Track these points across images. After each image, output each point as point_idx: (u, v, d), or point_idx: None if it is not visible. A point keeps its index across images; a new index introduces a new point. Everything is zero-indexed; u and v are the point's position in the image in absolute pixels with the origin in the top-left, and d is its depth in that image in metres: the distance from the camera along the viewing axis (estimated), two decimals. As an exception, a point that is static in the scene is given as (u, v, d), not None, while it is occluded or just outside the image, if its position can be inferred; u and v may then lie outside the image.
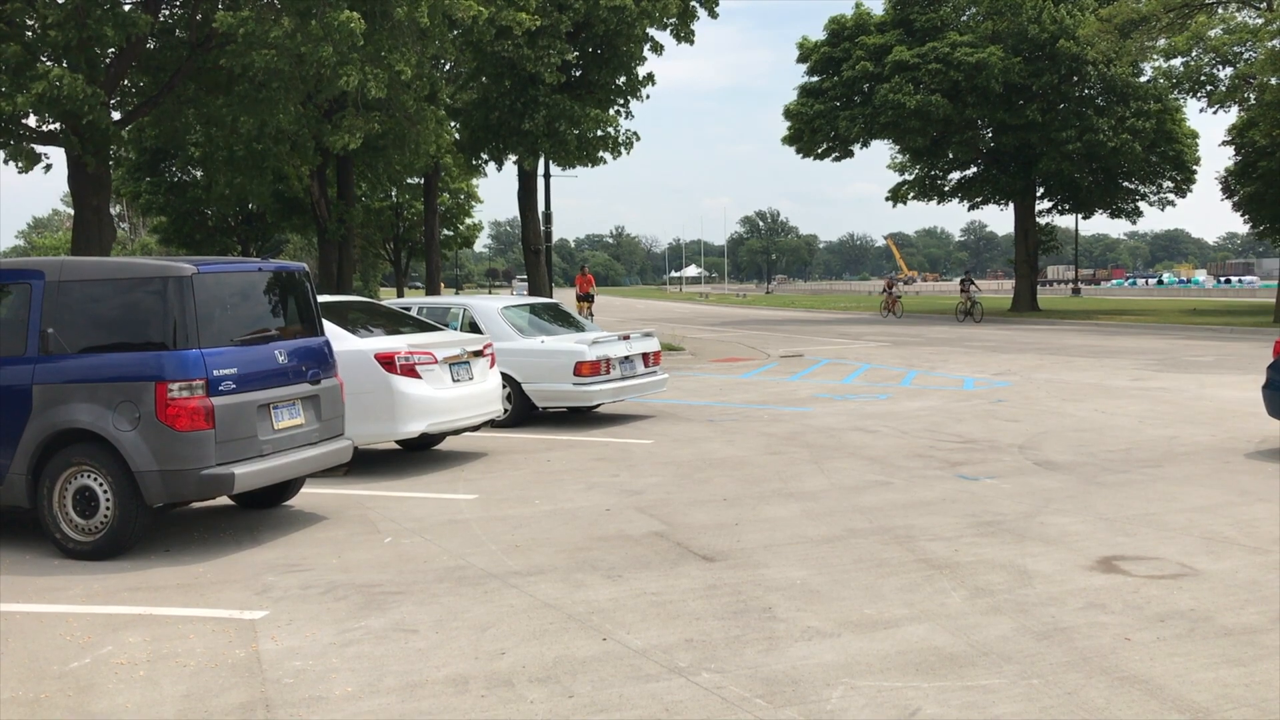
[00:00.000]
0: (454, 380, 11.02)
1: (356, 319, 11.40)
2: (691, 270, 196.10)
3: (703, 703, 4.98)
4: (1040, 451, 11.50)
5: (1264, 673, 5.27)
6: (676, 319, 50.92)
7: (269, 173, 25.08)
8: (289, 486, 9.26)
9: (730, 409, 15.54)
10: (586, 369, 13.59)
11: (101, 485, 7.66)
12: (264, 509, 9.32)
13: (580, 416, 14.99)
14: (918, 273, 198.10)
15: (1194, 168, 46.51)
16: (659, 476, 10.43)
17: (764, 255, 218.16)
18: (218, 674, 5.47)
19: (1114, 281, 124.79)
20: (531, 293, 30.46)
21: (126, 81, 21.28)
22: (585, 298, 32.45)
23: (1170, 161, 46.11)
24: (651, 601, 6.47)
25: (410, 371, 10.58)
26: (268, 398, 8.07)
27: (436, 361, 10.85)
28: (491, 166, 31.35)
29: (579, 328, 15.14)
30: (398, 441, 11.61)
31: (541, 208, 31.25)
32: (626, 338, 14.49)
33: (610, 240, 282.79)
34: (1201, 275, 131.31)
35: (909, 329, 37.39)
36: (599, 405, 14.80)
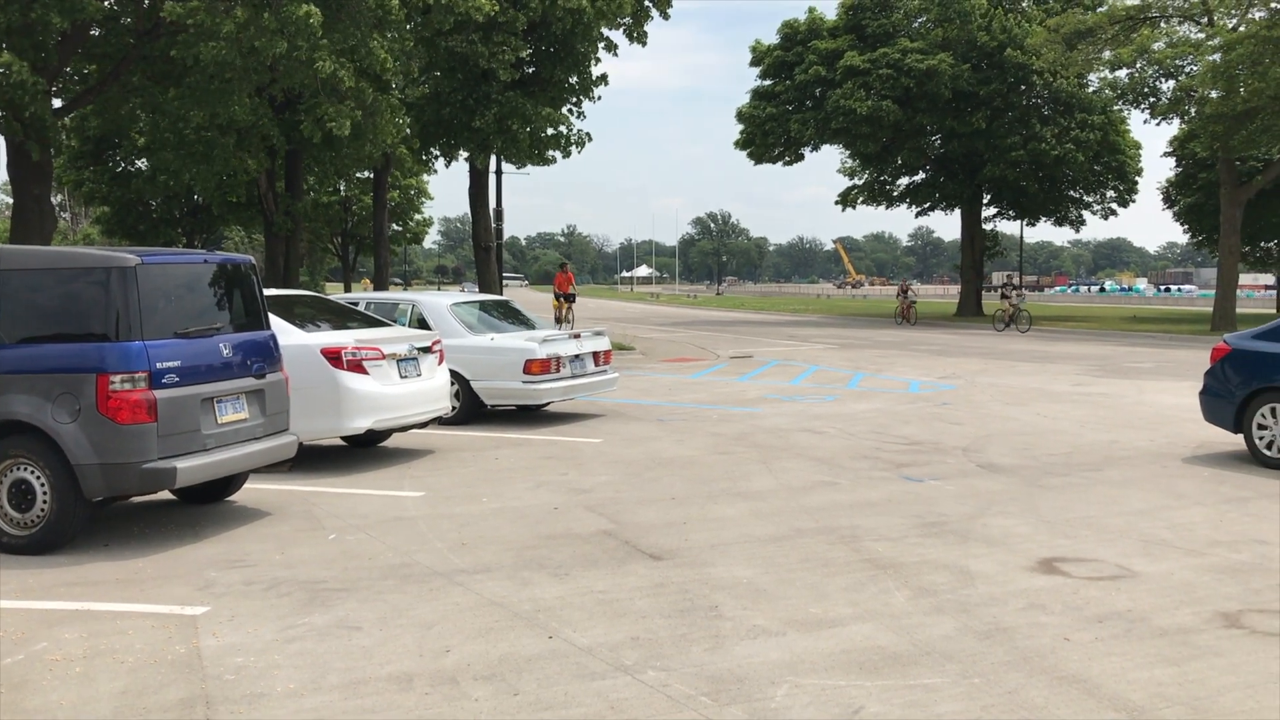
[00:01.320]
0: (402, 376, 10.96)
1: (303, 313, 11.30)
2: (643, 270, 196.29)
3: (648, 701, 4.98)
4: (984, 454, 11.62)
5: (1197, 672, 5.37)
6: (628, 318, 50.94)
7: (217, 162, 24.74)
8: (232, 482, 9.15)
9: (680, 409, 15.57)
10: (536, 367, 13.57)
11: (39, 478, 7.52)
12: (206, 504, 9.20)
13: (529, 415, 14.95)
14: (865, 277, 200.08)
15: (1136, 178, 47.39)
16: (608, 475, 10.43)
17: (715, 257, 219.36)
18: (157, 670, 5.37)
19: (1057, 288, 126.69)
20: (482, 290, 30.36)
21: (70, 69, 20.88)
22: (566, 297, 31.48)
23: (1114, 172, 46.96)
24: (598, 600, 6.47)
25: (357, 367, 10.50)
26: (212, 391, 7.97)
27: (384, 357, 10.77)
28: (442, 163, 31.15)
29: (529, 325, 15.13)
30: (343, 438, 11.49)
31: (492, 205, 31.14)
32: (577, 336, 14.51)
33: (562, 239, 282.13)
34: (1142, 284, 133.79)
35: (857, 332, 37.76)
36: (549, 404, 14.77)
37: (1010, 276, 43.38)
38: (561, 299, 31.27)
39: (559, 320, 30.05)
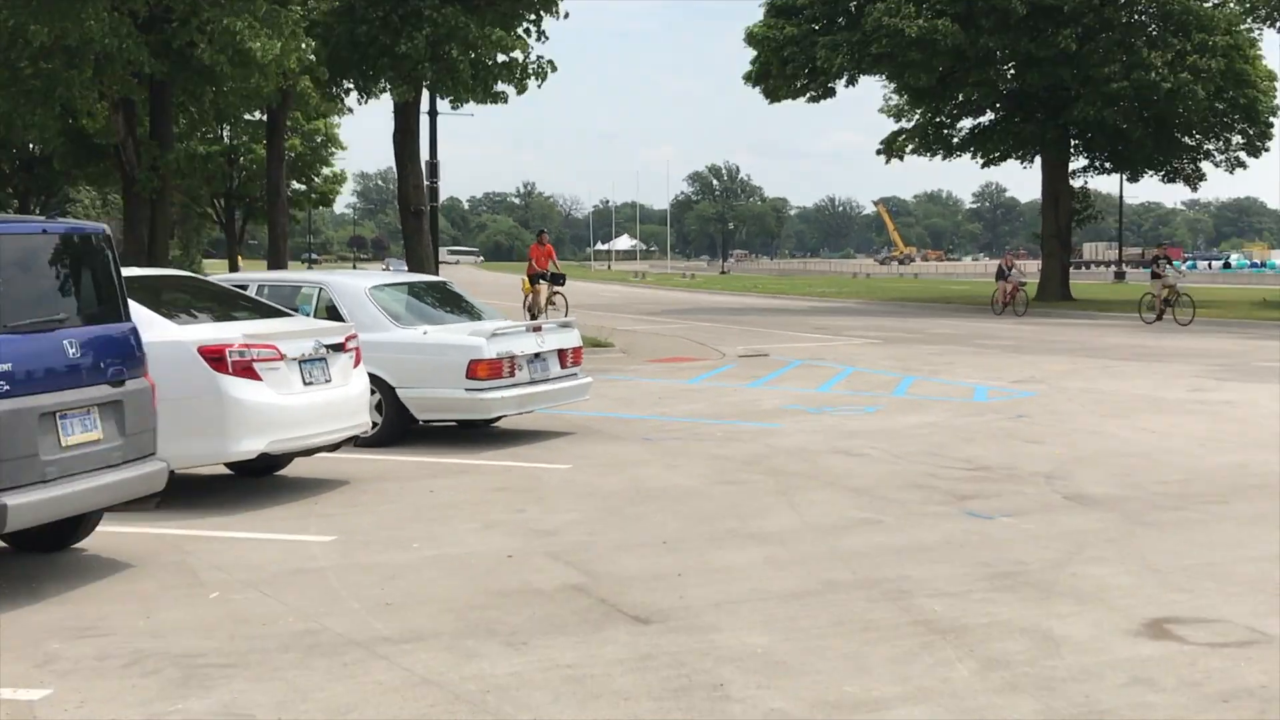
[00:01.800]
0: (305, 383, 11.03)
1: (174, 300, 11.33)
2: (624, 242, 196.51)
3: (633, 809, 5.02)
4: (1072, 482, 11.75)
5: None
6: (604, 305, 50.86)
7: (58, 103, 24.69)
8: (82, 523, 9.11)
9: (673, 424, 15.74)
10: (484, 369, 13.65)
11: None
12: (47, 553, 9.19)
13: (475, 433, 15.02)
14: (916, 249, 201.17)
15: (1270, 119, 47.58)
16: (578, 512, 10.51)
17: (718, 223, 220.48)
18: (-19, 776, 5.38)
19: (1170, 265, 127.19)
20: (411, 268, 30.35)
21: None
22: (550, 278, 31.05)
23: (1241, 111, 47.14)
24: (566, 676, 6.49)
25: (246, 371, 10.55)
26: (53, 404, 7.96)
27: (282, 358, 10.83)
28: (357, 99, 30.91)
29: (474, 314, 15.28)
30: (228, 464, 11.56)
31: (425, 157, 31.15)
32: (538, 329, 14.67)
33: (516, 201, 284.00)
34: (1279, 257, 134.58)
35: (906, 322, 37.85)
36: (500, 418, 14.85)
37: (1162, 248, 42.09)
38: (541, 281, 30.93)
39: (534, 311, 30.15)
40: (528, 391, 14.10)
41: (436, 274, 25.26)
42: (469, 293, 16.39)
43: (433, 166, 31.49)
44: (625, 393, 19.11)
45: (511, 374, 13.94)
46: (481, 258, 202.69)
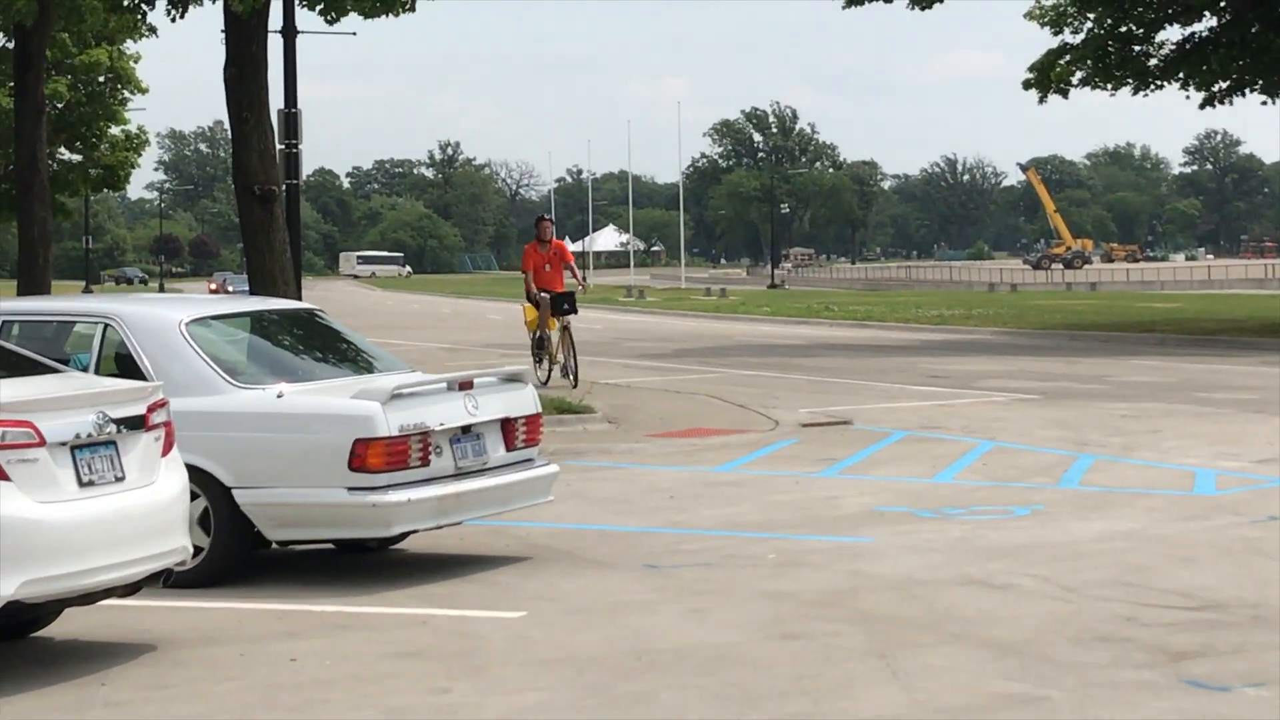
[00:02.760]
0: (82, 483, 10.99)
1: None
2: (609, 238, 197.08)
3: None
4: (1362, 629, 11.62)
5: None
6: (579, 343, 50.89)
7: None
8: None
9: (695, 541, 15.74)
10: (378, 455, 13.62)
11: None
12: None
13: (366, 562, 15.19)
14: (1092, 244, 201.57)
15: None
16: (539, 691, 10.49)
17: (765, 204, 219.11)
18: None
19: None
20: (256, 288, 30.00)
21: None
22: (558, 303, 31.27)
23: None
24: None
25: (-15, 465, 10.49)
26: None
27: (42, 443, 10.78)
28: (168, 11, 30.38)
29: (360, 363, 15.46)
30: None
31: (278, 105, 30.86)
32: (466, 386, 14.60)
33: (429, 174, 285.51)
34: None
35: (1078, 365, 38.47)
36: (407, 535, 14.95)
37: None
38: (549, 303, 31.13)
39: (540, 356, 31.73)
40: (452, 490, 14.04)
41: (299, 296, 25.08)
42: (356, 332, 16.56)
43: (291, 120, 31.04)
44: (615, 489, 19.14)
45: (424, 461, 13.87)
46: (409, 269, 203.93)
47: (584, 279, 31.43)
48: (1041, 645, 11.30)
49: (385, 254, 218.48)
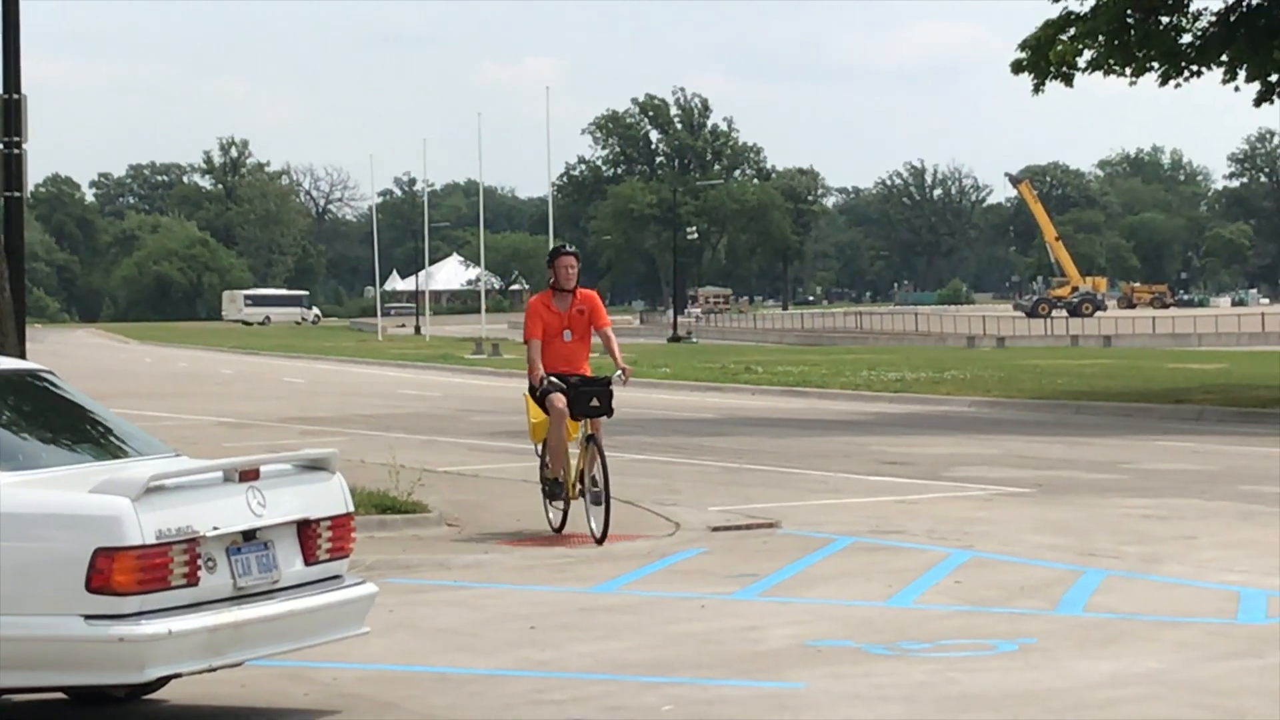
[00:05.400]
0: None
1: None
2: (451, 272, 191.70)
3: None
4: None
5: None
6: (405, 416, 50.82)
7: None
8: None
9: (562, 686, 14.06)
10: (128, 570, 11.90)
11: None
12: None
13: (109, 714, 13.62)
14: (1104, 281, 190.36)
15: None
16: None
17: (663, 224, 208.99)
18: None
19: None
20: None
21: None
22: (582, 399, 22.47)
23: None
24: None
25: None
26: None
27: None
28: None
29: (107, 445, 13.82)
30: None
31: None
32: (250, 476, 12.86)
33: (205, 185, 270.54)
34: None
35: (1082, 449, 36.42)
36: (166, 681, 13.25)
37: None
38: (567, 397, 22.62)
39: (564, 479, 22.58)
40: (229, 619, 12.14)
41: (23, 354, 22.97)
42: (99, 403, 14.70)
43: (12, 109, 28.77)
44: (456, 617, 17.36)
45: (191, 579, 12.06)
46: (317, 311, 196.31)
47: (618, 355, 22.58)
48: None
49: (284, 293, 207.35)
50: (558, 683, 14.04)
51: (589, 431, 22.14)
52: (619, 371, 21.97)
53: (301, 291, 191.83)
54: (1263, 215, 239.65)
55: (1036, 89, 48.32)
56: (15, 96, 27.98)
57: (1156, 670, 14.11)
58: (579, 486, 21.82)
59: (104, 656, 11.96)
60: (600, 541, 20.91)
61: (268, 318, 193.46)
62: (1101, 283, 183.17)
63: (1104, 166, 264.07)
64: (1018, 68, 48.39)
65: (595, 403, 21.86)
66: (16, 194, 27.51)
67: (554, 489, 22.23)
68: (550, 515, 21.97)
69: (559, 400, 21.34)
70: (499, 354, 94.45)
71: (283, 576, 12.73)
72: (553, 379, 21.82)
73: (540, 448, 22.54)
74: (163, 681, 12.89)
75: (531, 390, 22.34)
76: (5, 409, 13.48)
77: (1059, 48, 46.95)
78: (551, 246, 23.83)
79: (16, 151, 27.60)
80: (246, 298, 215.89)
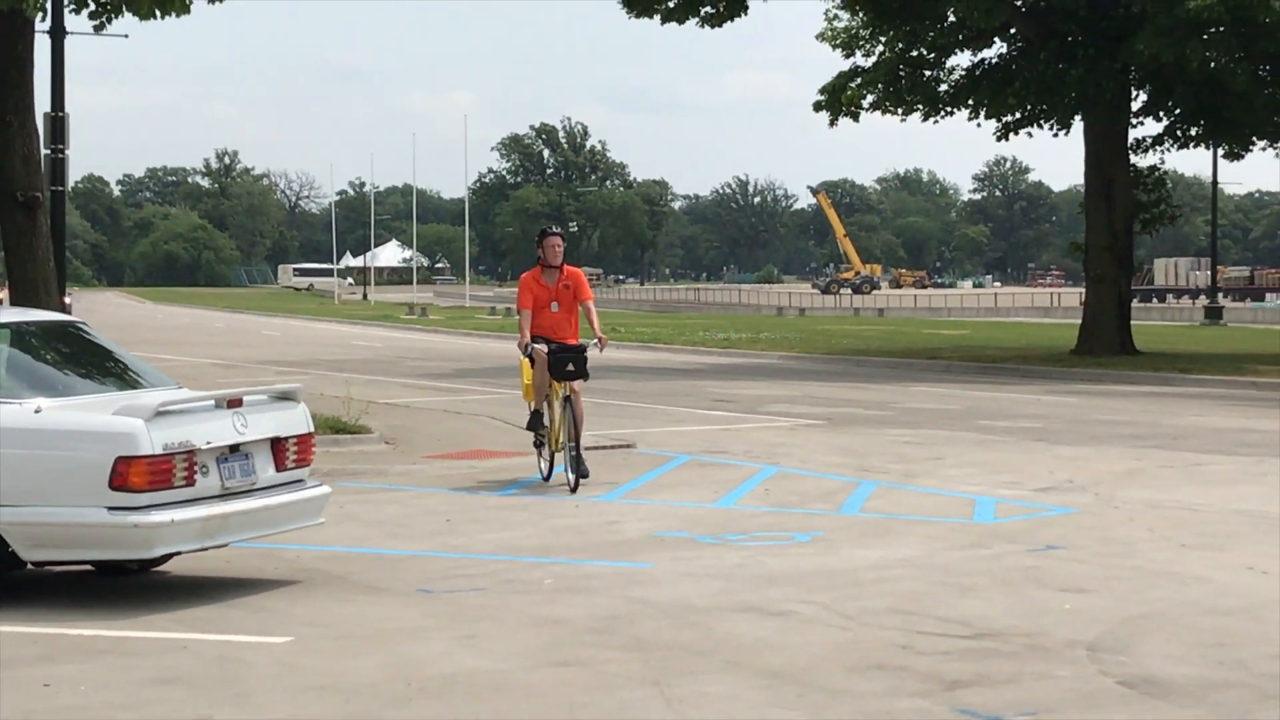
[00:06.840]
0: None
1: None
2: (391, 254, 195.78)
3: None
4: (1132, 656, 11.87)
5: None
6: (357, 361, 51.37)
7: None
8: None
9: (471, 565, 15.75)
10: (141, 473, 13.45)
11: None
12: None
13: (125, 584, 14.92)
14: (881, 269, 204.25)
15: None
16: None
17: (552, 220, 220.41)
18: None
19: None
20: (16, 299, 29.51)
21: None
22: (560, 363, 21.86)
23: None
24: None
25: None
26: None
27: None
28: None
29: (125, 379, 15.26)
30: None
31: (44, 108, 30.43)
32: (235, 404, 14.48)
33: (205, 184, 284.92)
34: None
35: (865, 391, 38.77)
36: (170, 557, 14.67)
37: None
38: (547, 360, 22.21)
39: (541, 439, 22.80)
40: (218, 511, 13.95)
41: (63, 306, 24.60)
42: (120, 346, 16.26)
43: (58, 124, 30.56)
44: (390, 512, 19.12)
45: (189, 480, 13.75)
46: (350, 280, 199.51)
47: (595, 322, 22.83)
48: (818, 673, 11.34)
49: (321, 266, 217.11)
50: (467, 561, 15.88)
51: (567, 393, 22.14)
52: (595, 340, 22.55)
53: (332, 265, 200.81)
54: (997, 220, 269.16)
55: (832, 122, 53.82)
56: (60, 114, 30.31)
57: (911, 556, 16.01)
58: (560, 442, 22.03)
59: (122, 538, 13.49)
60: (573, 490, 21.01)
61: (311, 285, 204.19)
62: (877, 269, 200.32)
63: (881, 182, 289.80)
64: (818, 107, 53.63)
65: (571, 367, 22.01)
66: (60, 189, 29.97)
67: (540, 434, 22.54)
68: (541, 465, 22.46)
69: (541, 350, 21.95)
70: (426, 315, 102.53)
71: (259, 480, 14.42)
72: (537, 344, 22.18)
73: (533, 409, 22.73)
74: (167, 557, 14.45)
75: (523, 352, 22.68)
76: (49, 350, 15.21)
77: (849, 93, 52.31)
78: (540, 229, 23.69)
79: (61, 156, 29.89)
80: (295, 269, 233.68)
